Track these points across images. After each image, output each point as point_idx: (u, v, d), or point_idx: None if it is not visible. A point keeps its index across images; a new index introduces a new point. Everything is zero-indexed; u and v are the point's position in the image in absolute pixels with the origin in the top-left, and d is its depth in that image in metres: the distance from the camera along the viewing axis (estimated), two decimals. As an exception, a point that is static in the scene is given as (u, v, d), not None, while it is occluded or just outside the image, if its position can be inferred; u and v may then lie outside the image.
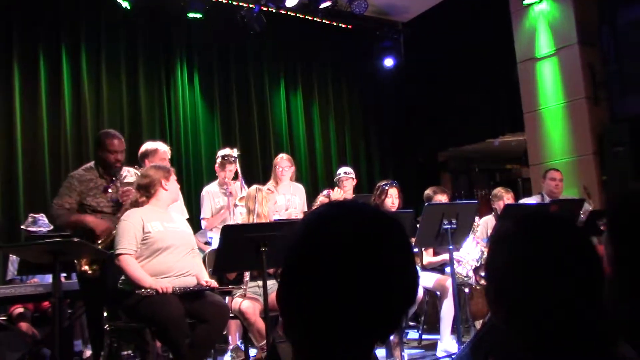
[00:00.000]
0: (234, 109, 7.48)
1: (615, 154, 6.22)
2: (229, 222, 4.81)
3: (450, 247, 4.34)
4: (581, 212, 5.18)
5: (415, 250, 4.68)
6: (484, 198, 9.25)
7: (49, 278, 4.52)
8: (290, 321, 0.95)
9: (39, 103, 6.12)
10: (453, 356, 4.34)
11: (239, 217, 4.63)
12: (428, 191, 5.17)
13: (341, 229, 0.92)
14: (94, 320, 4.09)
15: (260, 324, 3.86)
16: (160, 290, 3.32)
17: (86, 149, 6.19)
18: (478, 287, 5.12)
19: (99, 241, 3.92)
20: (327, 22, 7.94)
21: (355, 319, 0.89)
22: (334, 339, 0.90)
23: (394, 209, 4.81)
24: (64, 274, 4.45)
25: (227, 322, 3.91)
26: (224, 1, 7.14)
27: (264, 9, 7.10)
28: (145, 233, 3.52)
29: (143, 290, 3.33)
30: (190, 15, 6.79)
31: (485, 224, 5.56)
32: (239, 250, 3.57)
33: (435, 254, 4.96)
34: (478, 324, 5.14)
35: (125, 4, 6.40)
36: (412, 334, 5.58)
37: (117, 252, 3.47)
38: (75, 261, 3.81)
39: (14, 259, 5.06)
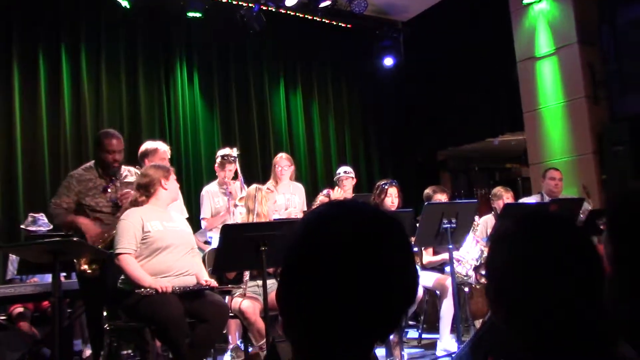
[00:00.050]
0: (233, 108, 7.48)
1: (615, 153, 6.22)
2: (229, 222, 4.81)
3: (450, 246, 4.34)
4: (580, 212, 5.18)
5: (415, 249, 4.68)
6: (484, 197, 9.26)
7: (48, 278, 4.51)
8: (289, 320, 0.94)
9: (39, 103, 6.12)
10: (453, 355, 4.34)
11: (238, 217, 4.63)
12: (428, 190, 5.17)
13: (341, 229, 0.92)
14: (94, 320, 4.09)
15: (260, 324, 3.86)
16: (160, 290, 3.32)
17: (86, 149, 6.19)
18: (478, 286, 5.12)
19: (100, 240, 3.92)
20: (326, 21, 7.93)
21: (355, 319, 0.89)
22: (334, 338, 0.90)
23: (393, 208, 4.81)
24: (64, 274, 4.45)
25: (226, 321, 3.92)
26: (224, 0, 7.13)
27: (264, 8, 7.10)
28: (145, 232, 3.52)
29: (143, 289, 3.33)
30: (190, 14, 6.79)
31: (485, 223, 5.57)
32: (239, 250, 3.57)
33: (435, 253, 4.96)
34: (478, 323, 5.14)
35: (125, 4, 6.40)
36: (412, 333, 5.58)
37: (117, 251, 3.47)
38: (75, 260, 3.81)
39: (13, 258, 5.05)
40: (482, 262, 4.73)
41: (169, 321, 3.29)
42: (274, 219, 4.48)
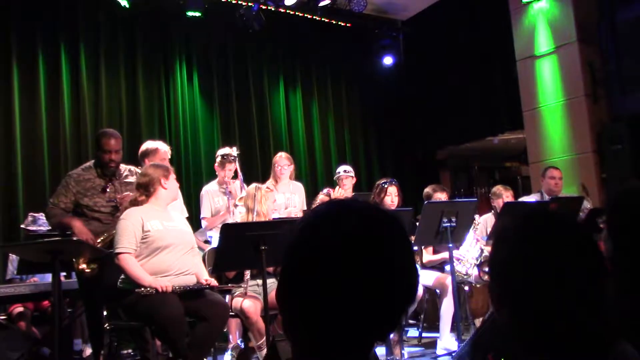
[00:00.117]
0: (233, 107, 7.48)
1: (614, 152, 6.22)
2: (229, 222, 4.81)
3: (450, 245, 4.34)
4: (580, 210, 5.18)
5: (415, 248, 4.68)
6: (484, 196, 9.26)
7: (48, 277, 4.51)
8: (290, 319, 0.94)
9: (38, 102, 6.11)
10: (453, 354, 4.34)
11: (238, 216, 4.63)
12: (427, 189, 5.17)
13: (342, 227, 0.92)
14: (94, 319, 4.09)
15: (261, 324, 3.86)
16: (160, 289, 3.32)
17: (85, 148, 6.19)
18: (478, 285, 5.13)
19: (99, 239, 3.93)
20: (326, 20, 7.93)
21: (356, 318, 0.89)
22: (334, 337, 0.89)
23: (393, 207, 4.81)
24: (64, 273, 4.45)
25: (227, 320, 3.92)
26: (223, 0, 7.13)
27: (263, 7, 7.09)
28: (145, 232, 3.52)
29: (143, 289, 3.33)
30: (190, 13, 6.78)
31: (485, 222, 5.57)
32: (239, 249, 3.58)
33: (435, 252, 4.96)
34: (478, 321, 5.15)
35: (125, 3, 6.39)
36: (412, 332, 5.58)
37: (117, 251, 3.48)
38: (73, 260, 3.81)
39: (13, 258, 5.05)
40: (485, 259, 4.74)
41: (168, 320, 3.29)
42: (274, 218, 4.48)
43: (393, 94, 8.88)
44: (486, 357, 1.47)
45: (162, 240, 3.54)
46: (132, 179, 4.13)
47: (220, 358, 4.64)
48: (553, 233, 1.11)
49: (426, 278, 4.83)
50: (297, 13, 7.62)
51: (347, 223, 0.92)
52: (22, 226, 5.22)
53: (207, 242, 5.08)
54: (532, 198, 5.97)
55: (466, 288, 5.10)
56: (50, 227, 5.00)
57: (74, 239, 3.78)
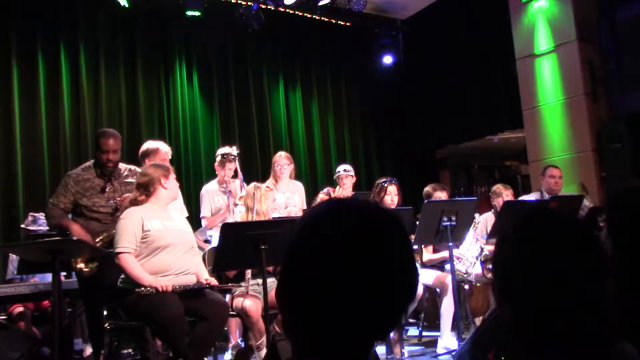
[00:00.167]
0: (232, 107, 7.47)
1: (614, 151, 6.22)
2: (229, 221, 4.81)
3: (450, 244, 4.34)
4: (580, 209, 5.18)
5: (415, 247, 4.69)
6: (484, 195, 9.26)
7: (48, 277, 4.51)
8: (290, 319, 0.94)
9: (38, 102, 6.11)
10: (453, 353, 4.34)
11: (238, 215, 4.63)
12: (427, 188, 5.17)
13: (341, 226, 0.92)
14: (94, 319, 4.09)
15: (262, 323, 3.86)
16: (160, 289, 3.32)
17: (85, 148, 6.19)
18: (478, 284, 5.14)
19: (98, 239, 3.93)
20: (325, 19, 7.93)
21: (356, 316, 0.89)
22: (334, 336, 0.89)
23: (393, 207, 4.81)
24: (64, 273, 4.45)
25: (227, 320, 3.92)
26: (223, -1, 7.14)
27: (263, 6, 7.09)
28: (145, 231, 3.52)
29: (143, 288, 3.33)
30: (189, 13, 6.78)
31: (484, 221, 5.57)
32: (239, 249, 3.58)
33: (435, 251, 4.96)
34: (478, 320, 5.15)
35: (124, 2, 6.38)
36: (412, 331, 5.59)
37: (117, 250, 3.48)
38: (72, 259, 3.81)
39: (13, 258, 5.05)
40: (487, 257, 4.74)
41: (169, 320, 3.29)
42: (274, 218, 4.48)
43: (393, 93, 8.87)
44: (486, 356, 1.47)
45: (162, 239, 3.54)
46: (132, 179, 4.12)
47: (220, 357, 4.65)
48: (553, 232, 1.11)
49: (426, 277, 4.83)
50: (296, 12, 7.62)
51: (347, 222, 0.92)
52: (22, 226, 5.22)
53: (207, 241, 5.08)
54: (532, 197, 5.97)
55: (466, 287, 5.10)
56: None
57: (74, 238, 3.78)
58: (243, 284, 4.09)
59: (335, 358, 0.91)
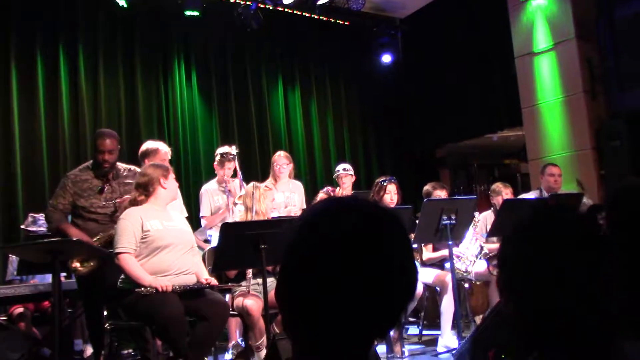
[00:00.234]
0: (232, 106, 7.47)
1: (613, 149, 6.22)
2: (229, 220, 4.81)
3: (450, 242, 4.34)
4: (580, 207, 5.18)
5: (415, 246, 4.69)
6: (483, 193, 9.26)
7: (48, 278, 4.52)
8: (289, 318, 0.95)
9: (37, 102, 6.11)
10: (453, 351, 4.34)
11: (237, 215, 4.64)
12: (427, 187, 5.17)
13: (341, 225, 0.92)
14: (94, 319, 4.09)
15: (263, 323, 3.86)
16: (160, 289, 3.33)
17: (84, 149, 6.19)
18: (478, 282, 5.14)
19: (94, 239, 3.93)
20: (324, 18, 7.93)
21: (356, 315, 0.89)
22: (334, 335, 0.90)
23: (392, 205, 4.81)
24: (64, 274, 4.46)
25: (227, 319, 3.92)
26: (221, -1, 7.14)
27: (261, 6, 7.09)
28: (145, 232, 3.52)
29: (143, 288, 3.33)
30: (188, 13, 6.78)
31: (484, 219, 5.57)
32: (238, 248, 3.58)
33: (435, 249, 4.96)
34: (478, 319, 5.16)
35: (123, 3, 6.38)
36: (413, 330, 5.59)
37: (117, 250, 3.48)
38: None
39: (13, 258, 5.06)
40: (495, 254, 4.74)
41: (169, 320, 3.29)
42: (273, 217, 4.48)
43: (392, 92, 8.87)
44: (486, 355, 1.48)
45: (162, 239, 3.55)
46: (131, 179, 4.12)
47: (220, 357, 4.65)
48: (553, 232, 1.11)
49: (426, 276, 4.83)
50: (295, 11, 7.62)
51: (346, 221, 0.92)
52: (22, 227, 5.22)
53: (206, 241, 5.08)
54: (531, 195, 5.96)
55: (466, 285, 5.11)
56: (49, 228, 5.02)
57: (74, 239, 3.78)
58: (244, 283, 4.09)
59: (335, 357, 0.91)
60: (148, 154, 4.62)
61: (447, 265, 4.64)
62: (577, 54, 6.55)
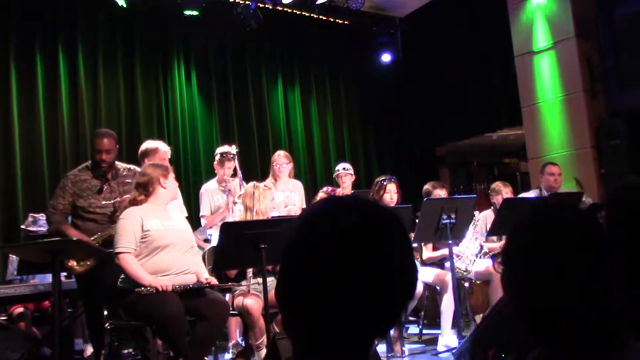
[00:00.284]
0: (231, 106, 7.47)
1: (612, 148, 6.22)
2: (229, 220, 4.81)
3: (450, 241, 4.34)
4: (580, 206, 5.18)
5: (415, 245, 4.69)
6: (483, 192, 9.26)
7: (48, 278, 4.52)
8: (289, 318, 0.95)
9: (37, 103, 6.11)
10: (454, 351, 4.35)
11: (237, 214, 4.64)
12: (427, 186, 5.17)
13: (341, 225, 0.92)
14: (94, 319, 4.10)
15: (263, 322, 3.86)
16: (160, 288, 3.33)
17: (84, 149, 6.18)
18: (478, 282, 5.14)
19: (92, 238, 3.93)
20: (323, 18, 7.92)
21: (355, 315, 0.89)
22: (334, 335, 0.90)
23: (392, 205, 4.81)
24: (64, 273, 4.46)
25: (227, 319, 3.92)
26: (221, -2, 7.13)
27: (261, 5, 7.09)
28: (145, 231, 3.52)
29: (143, 288, 3.33)
30: (187, 12, 6.78)
31: (484, 219, 5.57)
32: (238, 248, 3.58)
33: (435, 249, 4.96)
34: (478, 318, 5.16)
35: (122, 2, 6.38)
36: (413, 329, 5.59)
37: (117, 250, 3.48)
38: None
39: (13, 258, 5.06)
40: (499, 252, 4.75)
41: (169, 320, 3.29)
42: (273, 217, 4.48)
43: (391, 92, 8.87)
44: (486, 354, 1.48)
45: (162, 239, 3.55)
46: (131, 179, 4.11)
47: (221, 357, 4.65)
48: (553, 231, 1.11)
49: (426, 275, 4.83)
50: (294, 11, 7.61)
51: (346, 220, 0.92)
52: (22, 227, 5.22)
53: (206, 240, 5.08)
54: (531, 194, 5.96)
55: (466, 284, 5.11)
56: (50, 229, 5.02)
57: (74, 239, 3.78)
58: (244, 282, 4.09)
59: (335, 356, 0.91)
60: (147, 153, 4.62)
61: (447, 264, 4.64)
62: (576, 52, 6.54)
